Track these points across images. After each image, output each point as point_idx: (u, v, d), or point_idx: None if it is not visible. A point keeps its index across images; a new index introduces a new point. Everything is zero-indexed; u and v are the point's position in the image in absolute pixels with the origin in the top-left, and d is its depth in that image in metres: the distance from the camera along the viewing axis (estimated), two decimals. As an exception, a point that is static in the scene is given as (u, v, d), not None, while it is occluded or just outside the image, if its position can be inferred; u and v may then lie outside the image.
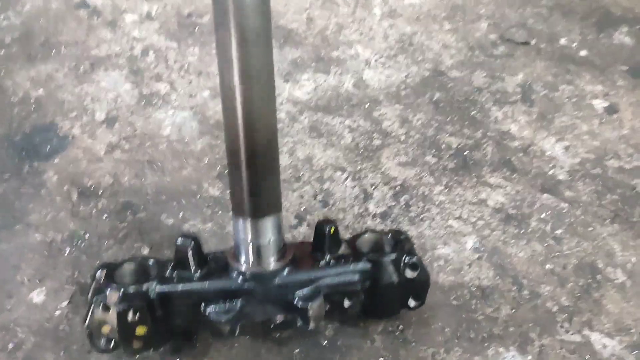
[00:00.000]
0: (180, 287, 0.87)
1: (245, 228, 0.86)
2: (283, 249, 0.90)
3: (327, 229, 0.90)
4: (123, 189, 1.17)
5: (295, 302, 0.87)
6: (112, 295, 0.83)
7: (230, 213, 0.92)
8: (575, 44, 1.54)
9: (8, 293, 1.00)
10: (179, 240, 0.87)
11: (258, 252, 0.88)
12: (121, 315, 0.82)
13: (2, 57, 1.40)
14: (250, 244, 0.87)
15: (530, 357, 0.94)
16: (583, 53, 1.51)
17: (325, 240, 0.91)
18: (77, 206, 1.13)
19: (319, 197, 1.17)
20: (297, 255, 0.91)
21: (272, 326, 0.96)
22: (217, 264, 0.91)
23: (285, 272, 0.88)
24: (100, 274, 0.88)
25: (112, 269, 0.89)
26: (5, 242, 1.07)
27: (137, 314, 0.83)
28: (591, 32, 1.57)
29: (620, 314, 1.00)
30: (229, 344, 0.95)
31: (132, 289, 0.85)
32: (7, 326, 0.96)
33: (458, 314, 1.00)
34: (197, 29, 1.53)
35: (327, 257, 0.91)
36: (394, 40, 1.53)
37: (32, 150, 1.22)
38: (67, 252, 1.06)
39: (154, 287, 0.85)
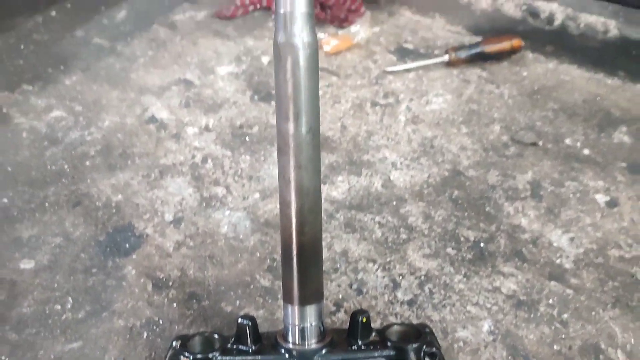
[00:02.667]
0: (237, 358, 1.08)
1: (293, 313, 1.08)
2: (323, 332, 1.10)
3: (360, 318, 1.10)
4: (189, 280, 1.39)
5: None
6: None
7: (280, 300, 1.12)
8: (578, 144, 1.74)
9: (98, 371, 1.21)
10: (240, 320, 1.09)
11: (302, 334, 1.08)
12: None
13: (88, 168, 1.68)
14: (296, 327, 1.08)
15: None
16: (586, 152, 1.71)
17: (358, 327, 1.10)
18: (151, 296, 1.35)
19: (354, 286, 1.37)
20: (334, 339, 1.11)
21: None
22: (268, 342, 1.12)
23: (324, 352, 1.08)
24: (176, 343, 1.11)
25: (185, 340, 1.12)
26: (95, 327, 1.29)
27: None
28: (593, 132, 1.78)
29: (620, 391, 1.15)
30: (281, 415, 1.13)
31: (200, 357, 1.07)
32: (98, 399, 1.16)
33: (476, 390, 1.16)
34: (247, 138, 1.79)
35: (359, 342, 1.10)
36: (417, 144, 1.76)
37: (114, 248, 1.46)
38: (144, 335, 1.27)
39: (218, 357, 1.07)
